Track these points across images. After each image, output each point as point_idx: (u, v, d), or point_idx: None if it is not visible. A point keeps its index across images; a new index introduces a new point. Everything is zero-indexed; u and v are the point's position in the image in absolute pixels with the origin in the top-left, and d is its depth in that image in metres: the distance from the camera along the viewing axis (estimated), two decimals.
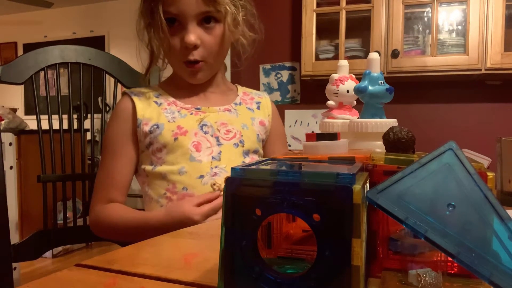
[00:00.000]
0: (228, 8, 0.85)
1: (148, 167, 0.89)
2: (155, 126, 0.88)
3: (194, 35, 0.84)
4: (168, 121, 0.88)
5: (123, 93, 0.93)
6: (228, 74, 2.34)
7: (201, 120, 0.91)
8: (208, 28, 0.86)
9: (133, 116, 0.89)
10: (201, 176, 0.87)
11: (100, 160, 0.93)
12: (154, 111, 0.89)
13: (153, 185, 0.89)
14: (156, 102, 0.91)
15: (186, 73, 0.90)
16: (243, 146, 0.92)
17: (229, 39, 0.90)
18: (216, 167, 0.88)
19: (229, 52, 0.97)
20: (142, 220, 0.83)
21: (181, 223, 0.77)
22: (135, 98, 0.90)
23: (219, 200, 0.81)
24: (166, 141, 0.87)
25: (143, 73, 0.95)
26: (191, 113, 0.91)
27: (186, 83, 0.93)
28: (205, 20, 0.86)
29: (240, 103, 0.99)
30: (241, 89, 1.04)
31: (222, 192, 0.80)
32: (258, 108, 1.01)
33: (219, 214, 0.79)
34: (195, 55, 0.86)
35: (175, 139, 0.87)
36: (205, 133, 0.90)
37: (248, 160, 0.93)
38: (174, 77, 0.97)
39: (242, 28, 0.92)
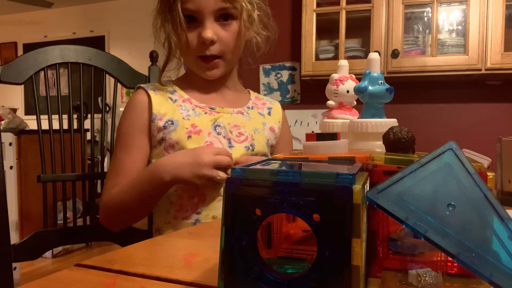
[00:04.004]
0: (244, 5, 0.86)
1: None
2: (170, 122, 0.88)
3: (211, 30, 0.85)
4: (183, 118, 0.89)
5: (138, 87, 0.94)
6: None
7: (215, 121, 0.92)
8: (225, 24, 0.87)
9: (149, 110, 0.89)
10: None
11: (113, 152, 0.93)
12: (170, 107, 0.90)
13: None
14: (171, 98, 0.92)
15: (201, 68, 0.91)
16: (253, 149, 0.93)
17: (244, 36, 0.92)
18: None
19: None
20: (149, 166, 0.84)
21: (191, 153, 0.81)
22: (151, 93, 0.90)
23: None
24: (180, 138, 0.87)
25: (160, 70, 0.96)
26: (205, 113, 0.92)
27: (201, 81, 0.94)
28: (222, 17, 0.87)
29: (252, 107, 1.00)
30: (253, 94, 1.06)
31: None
32: (269, 114, 1.02)
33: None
34: (212, 50, 0.87)
35: (189, 137, 0.87)
36: (218, 134, 0.90)
37: None
38: (188, 74, 0.98)
39: (256, 26, 0.93)
